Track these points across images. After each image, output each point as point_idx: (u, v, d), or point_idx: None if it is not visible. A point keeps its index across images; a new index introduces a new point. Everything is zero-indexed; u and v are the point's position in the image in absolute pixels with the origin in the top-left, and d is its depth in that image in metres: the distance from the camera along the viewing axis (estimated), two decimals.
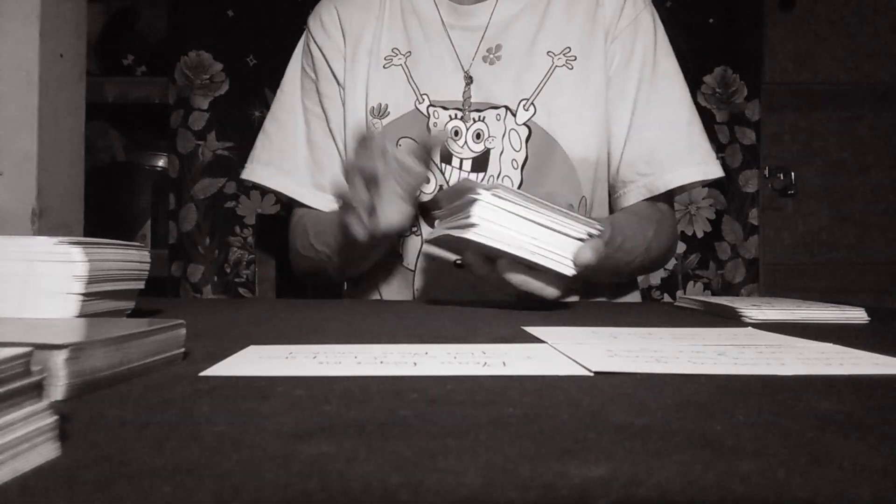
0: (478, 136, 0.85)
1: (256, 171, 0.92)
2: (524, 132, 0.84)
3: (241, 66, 1.63)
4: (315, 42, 0.91)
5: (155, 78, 1.70)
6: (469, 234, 0.59)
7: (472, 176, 0.84)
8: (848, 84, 1.81)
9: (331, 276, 0.90)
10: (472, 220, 0.58)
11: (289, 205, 0.94)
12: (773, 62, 1.78)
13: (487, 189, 0.59)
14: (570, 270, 0.60)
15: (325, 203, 0.90)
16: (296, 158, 0.91)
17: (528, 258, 0.59)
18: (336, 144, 0.90)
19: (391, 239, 0.83)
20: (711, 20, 1.67)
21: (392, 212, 0.70)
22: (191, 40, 1.64)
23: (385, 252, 0.87)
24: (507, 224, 0.59)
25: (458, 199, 0.65)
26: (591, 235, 0.61)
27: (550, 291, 0.63)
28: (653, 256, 0.86)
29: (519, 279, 0.62)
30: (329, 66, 0.90)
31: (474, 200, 0.59)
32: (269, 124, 0.94)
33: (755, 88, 1.67)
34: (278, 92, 0.95)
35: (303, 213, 0.91)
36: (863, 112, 1.81)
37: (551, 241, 0.60)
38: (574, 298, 0.67)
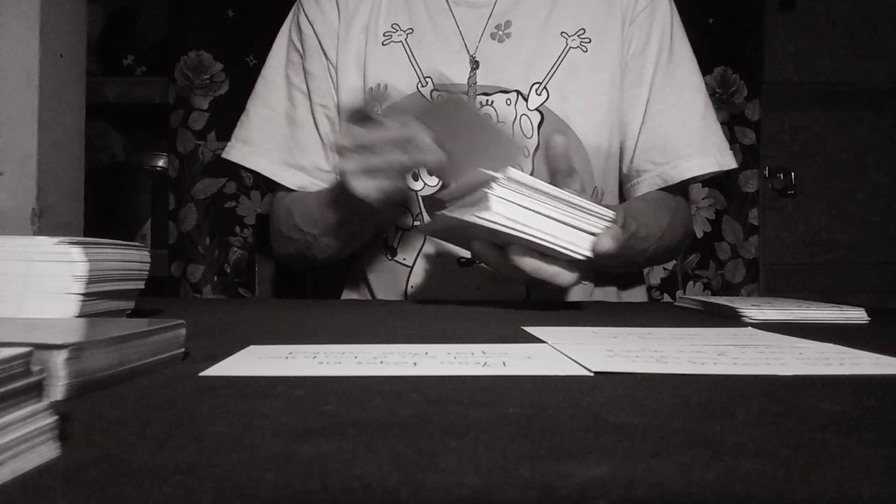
0: None
1: (234, 149, 0.89)
2: (536, 118, 0.81)
3: (241, 66, 1.63)
4: (306, 17, 0.87)
5: (155, 78, 1.70)
6: (487, 216, 0.56)
7: None
8: (848, 84, 1.80)
9: (315, 258, 0.86)
10: (490, 202, 0.56)
11: (270, 185, 0.92)
12: (773, 62, 1.78)
13: (502, 171, 0.57)
14: (586, 254, 0.58)
15: (302, 183, 0.87)
16: (274, 136, 0.88)
17: (545, 243, 0.57)
18: (317, 125, 0.87)
19: (384, 217, 0.80)
20: (711, 20, 1.67)
21: (361, 182, 0.66)
22: (191, 40, 1.64)
23: (375, 235, 0.85)
24: (526, 206, 0.57)
25: (468, 180, 0.62)
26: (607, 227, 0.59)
27: (566, 277, 0.60)
28: (666, 245, 0.84)
29: (533, 265, 0.59)
30: (319, 42, 0.87)
31: (492, 180, 0.57)
32: (250, 102, 0.91)
33: (755, 88, 1.67)
34: (262, 69, 0.92)
35: (284, 194, 0.89)
36: (863, 112, 1.80)
37: (566, 229, 0.58)
38: (588, 284, 0.65)
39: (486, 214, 0.56)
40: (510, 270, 0.62)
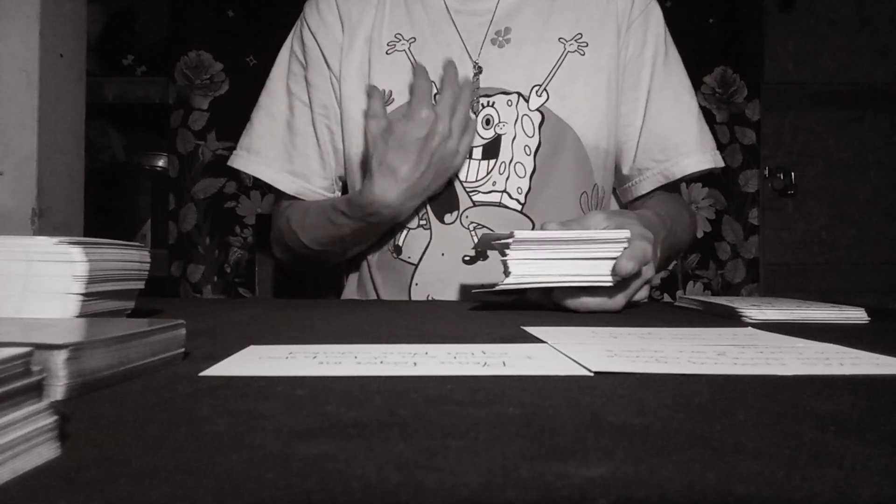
0: (487, 122, 0.84)
1: (238, 157, 0.93)
2: (537, 118, 0.84)
3: (241, 66, 1.63)
4: (309, 29, 0.90)
5: (155, 78, 1.70)
6: (510, 280, 0.61)
7: (484, 164, 0.84)
8: (848, 84, 1.80)
9: (324, 263, 0.93)
10: (509, 267, 0.61)
11: (271, 189, 0.94)
12: (773, 62, 1.78)
13: (509, 238, 0.61)
14: (611, 281, 0.61)
15: (301, 190, 0.90)
16: (275, 144, 0.91)
17: (572, 284, 0.61)
18: (316, 134, 0.90)
19: (388, 219, 0.82)
20: (711, 20, 1.67)
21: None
22: (191, 40, 1.64)
23: (378, 240, 0.87)
24: (543, 258, 0.61)
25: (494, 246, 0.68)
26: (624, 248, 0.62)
27: (612, 304, 0.63)
28: (694, 234, 0.93)
29: (577, 304, 0.63)
30: (323, 54, 0.89)
31: (505, 247, 0.61)
32: (254, 112, 0.94)
33: (755, 88, 1.68)
34: (267, 80, 0.95)
35: (287, 205, 0.92)
36: (863, 112, 1.80)
37: (588, 263, 0.61)
38: (644, 296, 0.67)
39: (509, 280, 0.61)
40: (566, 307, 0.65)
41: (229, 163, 0.94)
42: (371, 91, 0.81)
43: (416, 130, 0.76)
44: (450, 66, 0.79)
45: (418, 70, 0.79)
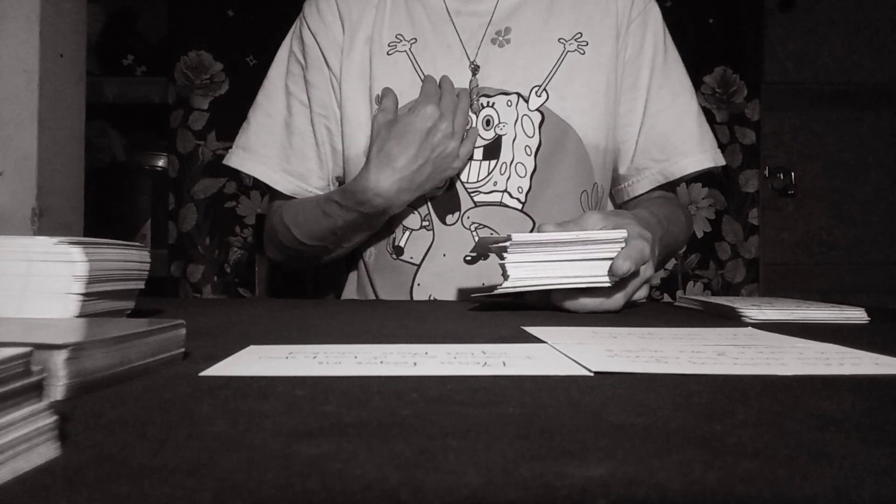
0: (487, 122, 0.84)
1: (234, 155, 0.92)
2: (537, 118, 0.84)
3: (241, 66, 1.63)
4: (309, 29, 0.90)
5: (155, 78, 1.70)
6: (508, 284, 0.60)
7: (485, 164, 0.84)
8: (848, 84, 1.81)
9: (318, 260, 0.93)
10: (508, 270, 0.61)
11: (269, 189, 0.94)
12: (773, 62, 1.78)
13: (506, 241, 0.61)
14: (609, 281, 0.61)
15: (297, 189, 0.90)
16: (273, 144, 0.91)
17: (569, 286, 0.61)
18: (315, 134, 0.90)
19: (387, 210, 0.82)
20: (711, 20, 1.67)
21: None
22: (191, 40, 1.64)
23: (375, 240, 0.88)
24: (540, 260, 0.61)
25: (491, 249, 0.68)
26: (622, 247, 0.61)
27: (610, 304, 0.63)
28: (689, 235, 0.94)
29: (576, 305, 0.63)
30: (323, 54, 0.89)
31: (503, 250, 0.61)
32: (251, 111, 0.94)
33: (755, 88, 1.68)
34: (264, 80, 0.95)
35: (280, 203, 0.92)
36: (863, 112, 1.81)
37: (585, 265, 0.61)
38: (643, 296, 0.67)
39: (507, 283, 0.60)
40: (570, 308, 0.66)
41: (225, 161, 0.93)
42: (385, 91, 0.83)
43: (420, 123, 0.78)
44: (446, 79, 0.83)
45: (427, 77, 0.82)
